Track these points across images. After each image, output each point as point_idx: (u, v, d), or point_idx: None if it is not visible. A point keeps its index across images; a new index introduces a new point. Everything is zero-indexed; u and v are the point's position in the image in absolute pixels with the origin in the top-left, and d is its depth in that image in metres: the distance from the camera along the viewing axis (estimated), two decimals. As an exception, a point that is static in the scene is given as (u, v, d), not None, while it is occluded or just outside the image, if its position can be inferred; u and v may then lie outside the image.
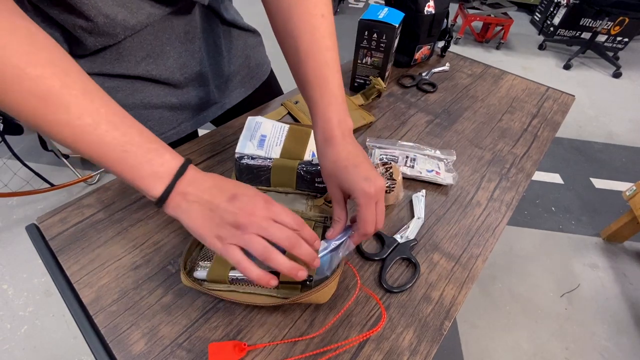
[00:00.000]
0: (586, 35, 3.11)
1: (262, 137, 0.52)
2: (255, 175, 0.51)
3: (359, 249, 0.50)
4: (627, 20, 2.86)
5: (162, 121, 0.61)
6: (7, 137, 1.48)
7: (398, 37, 0.77)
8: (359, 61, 0.78)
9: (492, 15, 2.91)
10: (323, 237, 0.43)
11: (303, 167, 0.49)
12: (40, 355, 1.15)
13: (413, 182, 0.61)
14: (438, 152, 0.65)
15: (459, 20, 3.27)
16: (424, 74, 0.87)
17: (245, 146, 0.51)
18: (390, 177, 0.55)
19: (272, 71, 0.79)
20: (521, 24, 3.49)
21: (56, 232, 0.49)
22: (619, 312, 1.35)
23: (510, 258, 1.49)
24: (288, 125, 0.54)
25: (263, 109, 0.74)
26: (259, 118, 0.55)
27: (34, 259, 1.37)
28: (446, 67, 0.91)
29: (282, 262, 0.34)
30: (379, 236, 0.53)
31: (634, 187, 1.43)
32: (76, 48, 0.48)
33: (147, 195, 0.34)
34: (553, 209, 1.72)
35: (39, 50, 0.30)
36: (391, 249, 0.50)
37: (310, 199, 0.51)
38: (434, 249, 0.52)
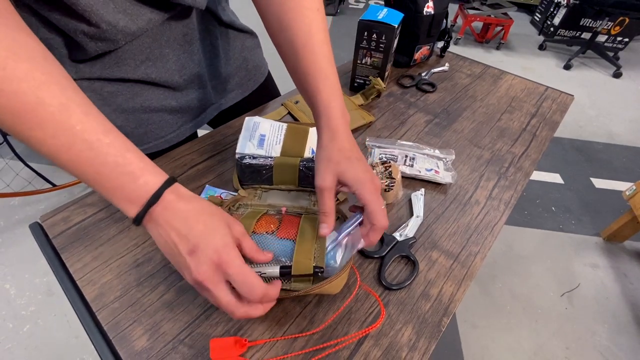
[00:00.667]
0: (586, 35, 3.11)
1: (262, 136, 0.53)
2: (257, 174, 0.51)
3: (358, 247, 0.51)
4: (627, 20, 2.86)
5: (162, 124, 0.61)
6: (9, 137, 1.49)
7: (397, 38, 0.77)
8: (358, 61, 0.78)
9: (492, 16, 2.92)
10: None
11: (305, 164, 0.50)
12: (42, 355, 1.15)
13: (412, 181, 0.62)
14: (437, 151, 0.65)
15: (459, 21, 3.28)
16: (423, 74, 0.88)
17: (246, 146, 0.52)
18: (390, 176, 0.56)
19: (269, 73, 0.79)
20: (521, 24, 3.50)
21: (59, 230, 0.50)
22: (619, 311, 1.35)
23: (510, 258, 1.50)
24: (286, 124, 0.55)
25: (263, 109, 0.75)
26: (256, 118, 0.55)
27: (36, 259, 1.38)
28: (445, 67, 0.92)
29: (239, 316, 0.34)
30: (378, 234, 0.53)
31: (634, 187, 1.44)
32: (76, 53, 0.48)
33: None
34: (553, 208, 1.72)
35: (17, 63, 0.28)
36: (390, 246, 0.51)
37: (313, 195, 0.51)
38: (432, 247, 0.52)
